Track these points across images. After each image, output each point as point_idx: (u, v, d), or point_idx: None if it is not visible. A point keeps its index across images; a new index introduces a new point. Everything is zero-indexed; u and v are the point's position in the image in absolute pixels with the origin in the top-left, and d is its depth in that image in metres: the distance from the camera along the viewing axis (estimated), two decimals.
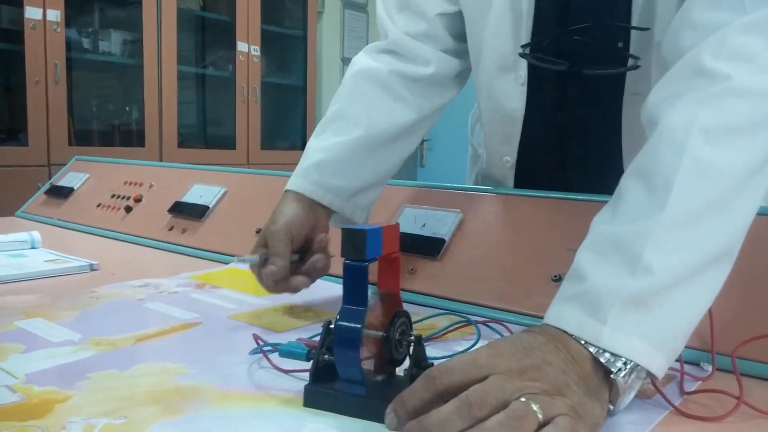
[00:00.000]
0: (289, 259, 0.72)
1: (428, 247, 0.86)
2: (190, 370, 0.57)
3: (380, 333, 0.48)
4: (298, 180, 0.80)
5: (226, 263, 1.04)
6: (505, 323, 0.70)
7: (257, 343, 0.59)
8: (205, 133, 3.36)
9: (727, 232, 0.51)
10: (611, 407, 0.48)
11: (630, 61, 0.72)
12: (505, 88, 0.82)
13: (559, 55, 0.76)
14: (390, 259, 0.51)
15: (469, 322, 0.68)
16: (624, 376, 0.47)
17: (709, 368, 0.60)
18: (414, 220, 0.91)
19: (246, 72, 3.18)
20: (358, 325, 0.46)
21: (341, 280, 0.48)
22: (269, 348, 0.58)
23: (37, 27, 2.45)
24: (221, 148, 3.19)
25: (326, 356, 0.49)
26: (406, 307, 0.79)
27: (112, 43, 2.80)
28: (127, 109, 2.98)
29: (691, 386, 0.56)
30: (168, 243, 1.18)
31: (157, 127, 2.86)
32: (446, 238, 0.86)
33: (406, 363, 0.50)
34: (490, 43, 0.80)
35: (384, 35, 0.85)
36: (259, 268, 0.73)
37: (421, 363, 0.49)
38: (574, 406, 0.44)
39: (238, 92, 3.16)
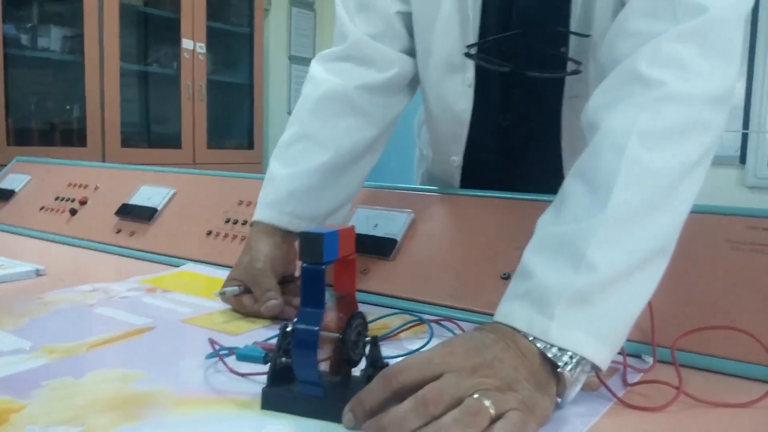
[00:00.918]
0: (280, 292, 0.75)
1: (381, 247, 0.87)
2: (147, 375, 0.57)
3: (337, 335, 0.49)
4: (270, 212, 0.80)
5: (177, 266, 1.03)
6: (457, 321, 0.72)
7: (213, 348, 0.59)
8: (150, 132, 3.29)
9: (663, 229, 0.54)
10: (559, 400, 0.51)
11: (570, 66, 0.76)
12: (453, 89, 0.84)
13: (503, 58, 0.78)
14: (346, 261, 0.53)
15: (421, 321, 0.70)
16: (570, 370, 0.50)
17: (650, 360, 0.63)
18: (366, 221, 0.92)
19: (191, 70, 3.13)
20: (316, 328, 0.47)
21: None
22: (225, 352, 0.59)
23: None
24: (166, 147, 3.13)
25: (284, 359, 0.50)
26: (361, 306, 0.81)
27: (52, 39, 2.71)
28: (68, 107, 2.89)
29: (633, 378, 0.59)
30: (116, 246, 1.16)
31: (100, 125, 2.78)
32: (398, 238, 0.88)
33: (363, 364, 0.52)
34: (438, 44, 0.82)
35: (342, 38, 0.85)
36: (239, 298, 0.76)
37: (377, 363, 0.50)
38: (524, 401, 0.46)
39: (183, 90, 3.11)
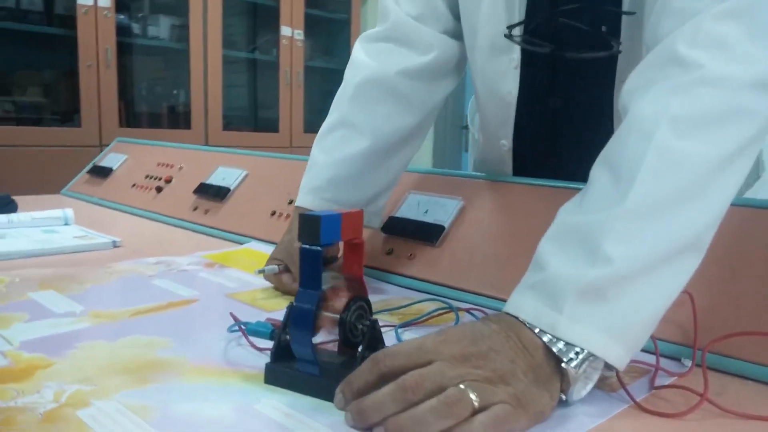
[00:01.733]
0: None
1: (427, 233, 0.86)
2: (172, 344, 0.60)
3: (336, 315, 0.50)
4: (310, 198, 0.81)
5: (242, 244, 1.08)
6: (487, 311, 0.70)
7: (235, 321, 0.61)
8: (250, 116, 3.43)
9: (693, 223, 0.50)
10: (563, 397, 0.48)
11: (613, 47, 0.71)
12: (499, 71, 0.82)
13: (547, 38, 0.75)
14: (353, 245, 0.53)
15: (450, 309, 0.69)
16: (576, 366, 0.47)
17: (689, 364, 0.59)
18: (417, 206, 0.92)
19: (289, 56, 3.22)
20: (312, 307, 0.48)
21: None
22: (245, 326, 0.60)
23: (89, 12, 2.55)
24: (265, 132, 3.24)
25: (287, 336, 0.51)
26: (402, 291, 0.81)
27: (161, 28, 2.88)
28: (175, 92, 3.07)
29: (665, 382, 0.55)
30: (191, 223, 1.22)
31: (203, 110, 2.93)
32: (446, 225, 0.86)
33: None
34: (484, 24, 0.79)
35: (384, 18, 0.84)
36: (278, 276, 0.78)
37: (375, 347, 0.50)
38: (516, 395, 0.45)
39: (281, 76, 3.20)
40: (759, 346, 0.57)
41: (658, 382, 0.55)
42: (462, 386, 0.43)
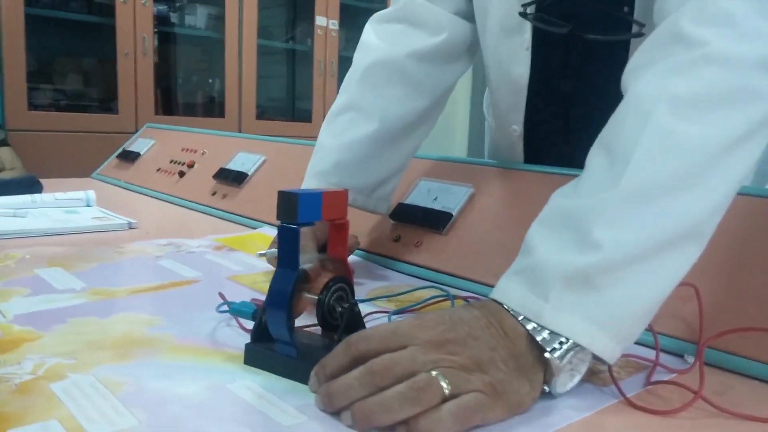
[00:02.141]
0: (316, 255, 0.73)
1: (435, 220, 0.85)
2: (162, 322, 0.60)
3: (314, 296, 0.49)
4: (315, 182, 0.80)
5: (255, 228, 1.08)
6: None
7: (223, 301, 0.61)
8: (284, 106, 3.45)
9: (693, 210, 0.47)
10: (546, 389, 0.46)
11: (634, 28, 0.68)
12: (510, 53, 0.79)
13: (563, 18, 0.72)
14: (337, 225, 0.52)
15: (447, 297, 0.67)
16: (559, 357, 0.45)
17: (692, 360, 0.56)
18: (427, 193, 0.90)
19: (324, 46, 3.22)
20: (288, 288, 0.47)
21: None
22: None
23: (127, 2, 2.59)
24: (298, 121, 3.26)
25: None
26: (405, 278, 0.80)
27: (198, 18, 2.92)
28: (210, 81, 3.10)
29: (664, 378, 0.53)
30: (209, 207, 1.23)
31: (237, 99, 2.96)
32: (454, 213, 0.84)
33: None
34: (495, 4, 0.77)
35: None
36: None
37: (354, 330, 0.49)
38: (493, 384, 0.43)
39: (315, 66, 3.21)
40: (765, 342, 0.54)
41: (657, 378, 0.52)
42: (434, 373, 0.41)
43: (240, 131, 2.94)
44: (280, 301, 0.47)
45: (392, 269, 0.84)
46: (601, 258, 0.45)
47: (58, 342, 0.53)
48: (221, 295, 0.62)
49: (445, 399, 0.41)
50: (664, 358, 0.56)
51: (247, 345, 0.51)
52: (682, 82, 0.47)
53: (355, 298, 0.68)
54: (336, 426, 0.42)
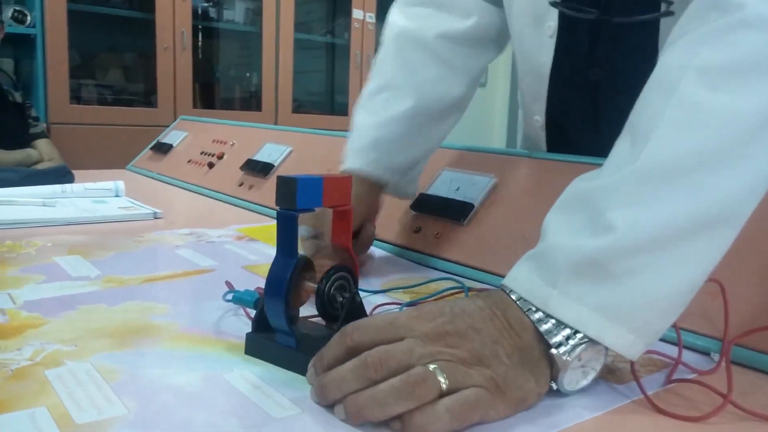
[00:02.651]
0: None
1: (455, 211, 0.82)
2: (168, 311, 0.59)
3: (313, 285, 0.47)
4: (355, 160, 0.78)
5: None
6: None
7: (230, 289, 0.60)
8: (321, 99, 3.45)
9: (725, 189, 0.42)
10: (554, 385, 0.44)
11: (663, 7, 0.64)
12: (535, 41, 0.76)
13: (590, 4, 0.68)
14: (340, 212, 0.50)
15: (461, 289, 0.65)
16: (566, 351, 0.42)
17: (718, 358, 0.53)
18: (449, 184, 0.88)
19: (360, 39, 3.21)
20: (286, 276, 0.45)
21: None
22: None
23: None
24: (334, 114, 3.26)
25: None
26: (424, 270, 0.78)
27: (236, 12, 2.94)
28: (248, 75, 3.12)
29: (687, 378, 0.49)
30: (236, 198, 1.23)
31: (274, 92, 2.97)
32: (475, 203, 0.82)
33: None
34: None
35: None
36: (305, 242, 0.75)
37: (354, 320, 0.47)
38: (494, 378, 0.40)
39: (352, 59, 3.20)
40: None
41: (678, 378, 0.49)
42: (431, 366, 0.39)
43: (276, 125, 2.95)
44: (278, 290, 0.45)
45: (412, 261, 0.82)
46: (613, 241, 0.42)
47: (62, 329, 0.53)
48: (228, 283, 0.61)
49: (443, 394, 0.39)
50: (689, 356, 0.53)
51: (247, 334, 0.50)
52: (715, 50, 0.43)
53: (372, 289, 0.67)
54: (330, 420, 0.40)
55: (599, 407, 0.44)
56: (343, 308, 0.47)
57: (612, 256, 0.42)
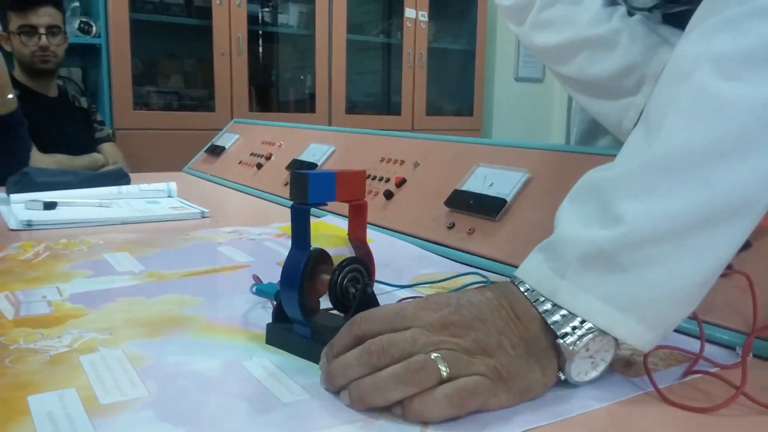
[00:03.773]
0: None
1: (488, 207, 0.82)
2: (201, 303, 0.62)
3: (326, 277, 0.49)
4: None
5: (320, 217, 1.09)
6: None
7: (257, 282, 0.62)
8: (374, 99, 3.48)
9: (741, 180, 0.42)
10: (562, 376, 0.44)
11: None
12: None
13: None
14: (355, 206, 0.51)
15: (485, 284, 0.65)
16: (573, 342, 0.42)
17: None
18: (483, 179, 0.88)
19: (413, 38, 3.22)
20: (299, 268, 0.47)
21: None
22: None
23: (223, 3, 2.71)
24: (387, 114, 3.28)
25: None
26: (454, 266, 0.78)
27: (290, 16, 3.00)
28: (302, 77, 3.18)
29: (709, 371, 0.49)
30: (280, 197, 1.26)
31: (327, 93, 3.02)
32: (508, 199, 0.82)
33: None
34: None
35: None
36: None
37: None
38: (497, 368, 0.41)
39: (405, 58, 3.21)
40: None
41: (698, 371, 0.48)
42: (433, 355, 0.40)
43: (330, 125, 3.00)
44: (292, 281, 0.47)
45: (444, 257, 0.83)
46: (623, 232, 0.42)
47: (100, 319, 0.57)
48: (255, 277, 0.64)
49: (443, 382, 0.39)
50: (714, 350, 0.52)
51: (268, 325, 0.52)
52: (730, 38, 0.43)
53: (401, 283, 0.68)
54: (336, 405, 0.42)
55: (608, 398, 0.44)
56: (355, 299, 0.48)
57: (622, 248, 0.42)
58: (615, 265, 0.42)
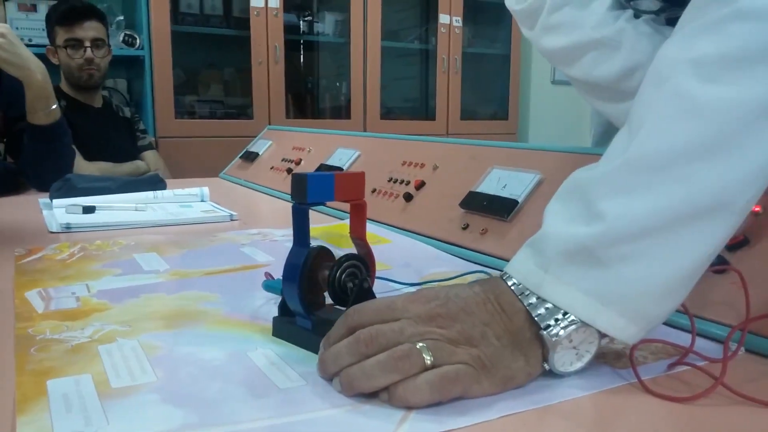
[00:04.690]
0: None
1: (500, 208, 0.84)
2: (218, 299, 0.66)
3: (324, 272, 0.51)
4: None
5: (343, 219, 1.12)
6: None
7: (269, 279, 0.65)
8: (408, 105, 3.50)
9: (719, 180, 0.43)
10: (546, 366, 0.45)
11: None
12: None
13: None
14: (356, 206, 0.54)
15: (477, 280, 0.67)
16: (555, 333, 0.44)
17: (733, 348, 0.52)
18: (497, 181, 0.90)
19: (447, 43, 3.24)
20: (299, 263, 0.50)
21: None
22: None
23: (260, 14, 2.78)
24: (421, 119, 3.30)
25: None
26: (466, 265, 0.80)
27: (326, 24, 3.06)
28: (337, 84, 3.23)
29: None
30: None
31: (362, 100, 3.06)
32: (519, 200, 0.83)
33: None
34: None
35: None
36: None
37: None
38: (481, 357, 0.43)
39: (439, 63, 3.23)
40: None
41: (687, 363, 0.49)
42: (419, 345, 0.42)
43: (365, 131, 3.04)
44: (292, 276, 0.50)
45: (458, 257, 0.85)
46: (604, 229, 0.44)
47: (122, 313, 0.61)
48: (267, 274, 0.67)
49: (427, 369, 0.42)
50: (708, 345, 0.53)
51: (274, 318, 0.55)
52: (710, 41, 0.44)
53: (411, 281, 0.71)
54: (328, 391, 0.44)
55: (591, 387, 0.45)
56: (352, 294, 0.51)
57: (603, 244, 0.44)
58: (596, 261, 0.44)
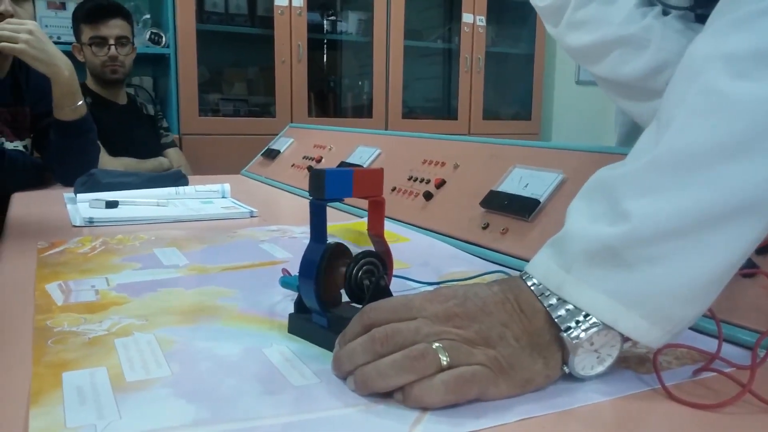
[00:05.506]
0: None
1: (522, 207, 0.83)
2: (233, 294, 0.65)
3: (342, 269, 0.51)
4: None
5: (362, 217, 1.12)
6: None
7: (286, 275, 0.65)
8: (431, 104, 3.49)
9: (751, 179, 0.41)
10: (566, 369, 0.44)
11: None
12: None
13: None
14: (374, 203, 0.53)
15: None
16: (576, 335, 0.43)
17: (761, 353, 0.50)
18: (519, 181, 0.88)
19: (470, 42, 3.22)
20: (316, 259, 0.49)
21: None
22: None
23: (284, 13, 2.79)
24: (444, 119, 3.28)
25: None
26: (485, 265, 0.79)
27: (349, 24, 3.06)
28: (360, 83, 3.23)
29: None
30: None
31: (384, 99, 3.05)
32: (541, 200, 0.82)
33: None
34: None
35: None
36: None
37: None
38: (498, 358, 0.42)
39: (462, 63, 3.21)
40: None
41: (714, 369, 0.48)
42: (435, 345, 0.42)
43: (387, 130, 3.03)
44: (309, 272, 0.49)
45: (477, 256, 0.84)
46: (629, 229, 0.42)
47: (140, 306, 0.61)
48: (284, 270, 0.67)
49: (443, 370, 0.41)
50: (736, 352, 0.51)
51: (290, 314, 0.54)
52: (742, 37, 0.43)
53: (430, 281, 0.70)
54: (342, 389, 0.44)
55: (613, 392, 0.44)
56: (368, 291, 0.50)
57: (628, 245, 0.43)
58: (620, 262, 0.43)
